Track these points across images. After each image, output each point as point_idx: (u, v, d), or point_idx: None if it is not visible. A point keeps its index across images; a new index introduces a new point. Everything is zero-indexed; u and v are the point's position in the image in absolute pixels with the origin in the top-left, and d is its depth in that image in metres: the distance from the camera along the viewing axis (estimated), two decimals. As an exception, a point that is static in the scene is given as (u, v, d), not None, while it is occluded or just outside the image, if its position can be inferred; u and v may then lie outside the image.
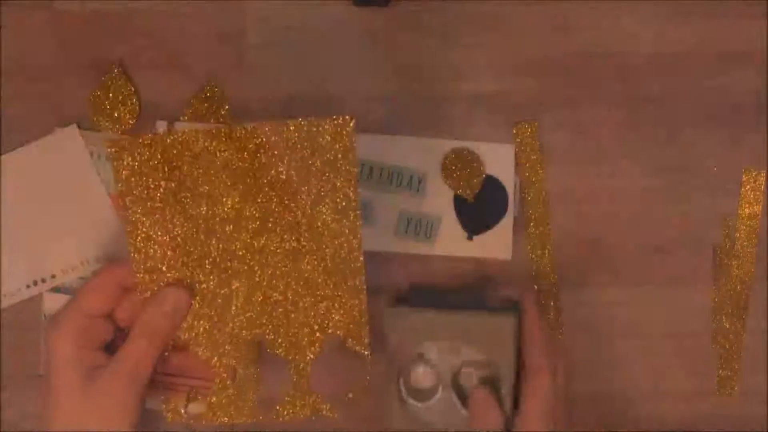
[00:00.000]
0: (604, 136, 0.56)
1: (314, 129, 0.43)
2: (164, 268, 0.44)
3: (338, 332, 0.46)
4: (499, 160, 0.56)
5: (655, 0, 0.56)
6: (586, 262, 0.56)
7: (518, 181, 0.56)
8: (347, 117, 0.43)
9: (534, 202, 0.56)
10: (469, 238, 0.56)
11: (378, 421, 0.55)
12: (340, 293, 0.45)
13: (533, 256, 0.56)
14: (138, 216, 0.44)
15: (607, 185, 0.56)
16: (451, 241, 0.55)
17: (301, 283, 0.45)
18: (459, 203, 0.56)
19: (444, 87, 0.56)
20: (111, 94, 0.55)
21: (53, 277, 0.55)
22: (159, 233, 0.44)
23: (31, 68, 0.56)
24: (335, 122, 0.43)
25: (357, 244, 0.45)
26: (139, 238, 0.44)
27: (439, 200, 0.56)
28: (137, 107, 0.55)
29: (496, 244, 0.55)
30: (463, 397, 0.54)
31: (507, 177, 0.56)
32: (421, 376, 0.54)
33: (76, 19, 0.55)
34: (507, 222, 0.55)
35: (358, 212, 0.44)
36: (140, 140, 0.43)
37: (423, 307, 0.53)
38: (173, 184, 0.44)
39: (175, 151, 0.43)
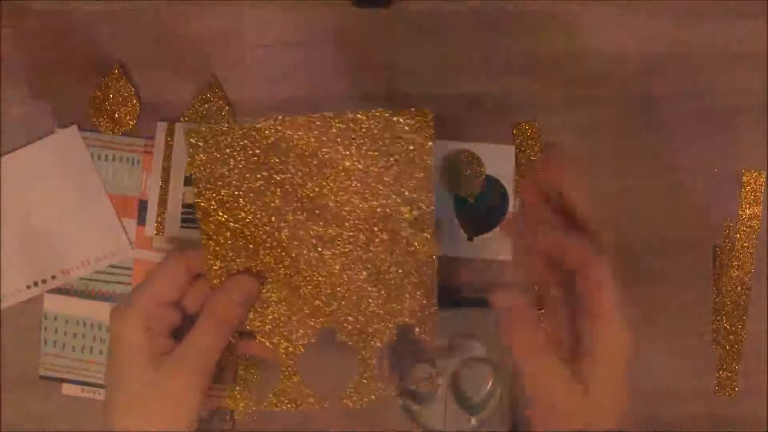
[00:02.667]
0: (603, 136, 0.56)
1: (393, 120, 0.43)
2: (235, 256, 0.44)
3: (407, 320, 0.46)
4: (499, 160, 0.56)
5: (655, 1, 0.56)
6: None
7: (518, 181, 0.56)
8: (427, 110, 0.43)
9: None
10: (470, 238, 0.56)
11: (378, 421, 0.55)
12: (409, 283, 0.45)
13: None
14: (210, 204, 0.44)
15: (607, 185, 0.56)
16: (451, 242, 0.55)
17: (373, 271, 0.45)
18: (459, 203, 0.56)
19: (444, 87, 0.56)
20: (111, 94, 0.55)
21: (53, 277, 0.55)
22: (231, 221, 0.44)
23: (31, 68, 0.56)
24: (414, 114, 0.43)
25: (430, 235, 0.45)
26: (212, 225, 0.44)
27: (439, 201, 0.55)
28: (137, 107, 0.55)
29: (496, 244, 0.55)
30: (463, 398, 0.54)
31: (507, 177, 0.56)
32: (421, 376, 0.54)
33: (76, 19, 0.55)
34: (507, 222, 0.56)
35: (433, 205, 0.44)
36: (218, 128, 0.43)
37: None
38: (247, 173, 0.44)
39: (250, 140, 0.43)
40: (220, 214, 0.44)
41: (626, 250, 0.56)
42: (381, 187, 0.44)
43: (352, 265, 0.45)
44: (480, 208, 0.55)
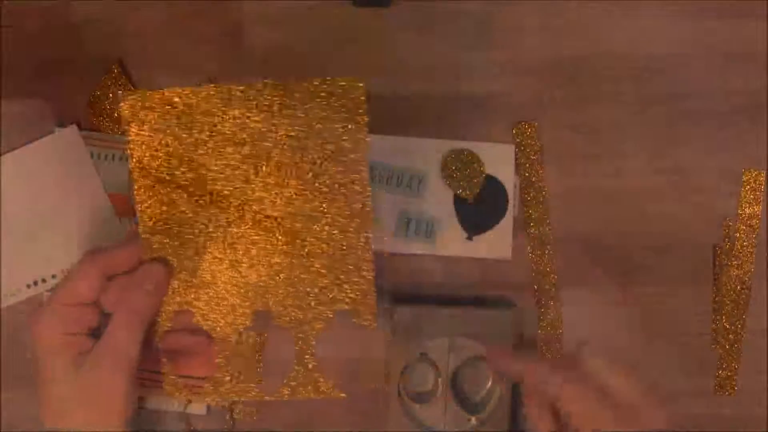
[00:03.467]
0: (603, 136, 0.56)
1: (325, 87, 0.43)
2: (169, 232, 0.44)
3: (345, 306, 0.45)
4: (499, 160, 0.56)
5: (655, 1, 0.56)
6: (586, 262, 0.56)
7: (518, 181, 0.56)
8: (356, 77, 0.43)
9: (534, 202, 0.56)
10: (469, 238, 0.56)
11: (377, 421, 0.55)
12: (347, 264, 0.45)
13: (533, 256, 0.56)
14: (146, 178, 0.44)
15: (607, 185, 0.56)
16: (451, 241, 0.55)
17: (308, 250, 0.45)
18: (459, 203, 0.56)
19: (444, 87, 0.56)
20: (111, 94, 0.55)
21: (53, 277, 0.55)
22: (166, 194, 0.44)
23: (31, 68, 0.56)
24: (346, 82, 0.43)
25: (365, 210, 0.44)
26: (147, 202, 0.44)
27: (439, 200, 0.56)
28: (137, 107, 0.55)
29: (496, 244, 0.55)
30: (463, 398, 0.54)
31: (507, 177, 0.56)
32: (421, 376, 0.54)
33: (76, 20, 0.55)
34: (507, 222, 0.55)
35: (366, 176, 0.44)
36: (152, 94, 0.43)
37: (424, 305, 0.54)
38: (183, 143, 0.44)
39: (185, 108, 0.43)
40: (156, 186, 0.44)
41: (626, 250, 0.56)
42: (316, 164, 0.44)
43: (289, 244, 0.44)
44: (480, 208, 0.55)
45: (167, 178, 0.44)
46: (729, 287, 0.56)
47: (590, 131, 0.56)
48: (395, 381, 0.53)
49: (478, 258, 0.56)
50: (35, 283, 0.55)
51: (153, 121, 0.43)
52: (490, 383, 0.54)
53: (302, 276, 0.45)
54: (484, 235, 0.56)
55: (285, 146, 0.44)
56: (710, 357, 0.57)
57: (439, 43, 0.56)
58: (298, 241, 0.45)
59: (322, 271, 0.45)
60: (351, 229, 0.44)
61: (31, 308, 0.42)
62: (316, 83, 0.43)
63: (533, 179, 0.56)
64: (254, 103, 0.43)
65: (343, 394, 0.45)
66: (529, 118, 0.56)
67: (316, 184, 0.44)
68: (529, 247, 0.56)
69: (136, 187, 0.44)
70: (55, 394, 0.41)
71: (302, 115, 0.43)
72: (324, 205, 0.44)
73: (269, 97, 0.43)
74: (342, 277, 0.45)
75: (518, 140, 0.56)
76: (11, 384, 0.55)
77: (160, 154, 0.44)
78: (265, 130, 0.44)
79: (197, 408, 0.56)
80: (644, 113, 0.56)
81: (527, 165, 0.56)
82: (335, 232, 0.44)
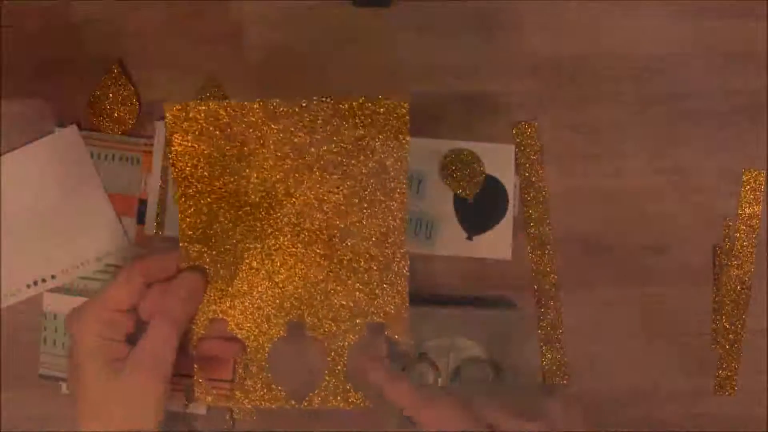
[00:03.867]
0: (603, 136, 0.56)
1: (370, 106, 0.43)
2: (208, 242, 0.45)
3: (378, 319, 0.46)
4: (499, 160, 0.56)
5: (655, 1, 0.56)
6: (586, 262, 0.56)
7: (518, 181, 0.56)
8: (401, 97, 0.43)
9: (534, 202, 0.56)
10: (469, 238, 0.56)
11: (377, 421, 0.55)
12: (383, 279, 0.45)
13: (533, 256, 0.56)
14: (187, 187, 0.44)
15: (607, 185, 0.56)
16: (451, 241, 0.55)
17: (345, 264, 0.45)
18: (459, 203, 0.56)
19: (444, 87, 0.56)
20: (111, 94, 0.55)
21: (53, 277, 0.55)
22: (206, 205, 0.44)
23: (31, 68, 0.56)
24: (391, 101, 0.43)
25: (402, 225, 0.45)
26: (187, 211, 0.44)
27: (439, 200, 0.56)
28: (137, 107, 0.55)
29: (496, 244, 0.55)
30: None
31: (507, 177, 0.56)
32: (421, 376, 0.54)
33: (76, 20, 0.55)
34: (507, 222, 0.55)
35: (405, 193, 0.44)
36: (197, 105, 0.43)
37: (423, 305, 0.54)
38: (225, 155, 0.44)
39: (228, 120, 0.44)
40: (197, 197, 0.44)
41: (626, 250, 0.56)
42: (356, 174, 0.44)
43: (324, 257, 0.45)
44: (480, 208, 0.55)
45: (208, 188, 0.44)
46: (729, 287, 0.56)
47: (590, 131, 0.56)
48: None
49: (478, 258, 0.56)
50: (35, 283, 0.55)
51: (197, 132, 0.44)
52: (490, 383, 0.54)
53: (338, 288, 0.45)
54: (484, 235, 0.56)
55: (327, 161, 0.44)
56: (710, 357, 0.57)
57: (439, 43, 0.56)
58: (335, 254, 0.45)
59: (358, 285, 0.45)
60: (387, 244, 0.45)
61: (71, 311, 0.43)
62: (362, 101, 0.43)
63: (533, 179, 0.56)
64: (298, 118, 0.44)
65: (370, 405, 0.46)
66: (529, 118, 0.56)
67: (356, 200, 0.44)
68: (529, 247, 0.56)
69: (177, 196, 0.44)
70: (91, 397, 0.42)
71: (345, 132, 0.44)
72: (363, 221, 0.45)
73: (313, 113, 0.43)
74: (377, 291, 0.45)
75: (518, 140, 0.56)
76: (11, 384, 0.55)
77: (202, 165, 0.44)
78: (307, 145, 0.44)
79: (197, 408, 0.56)
80: (644, 113, 0.56)
81: (527, 165, 0.56)
82: (372, 246, 0.45)
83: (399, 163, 0.44)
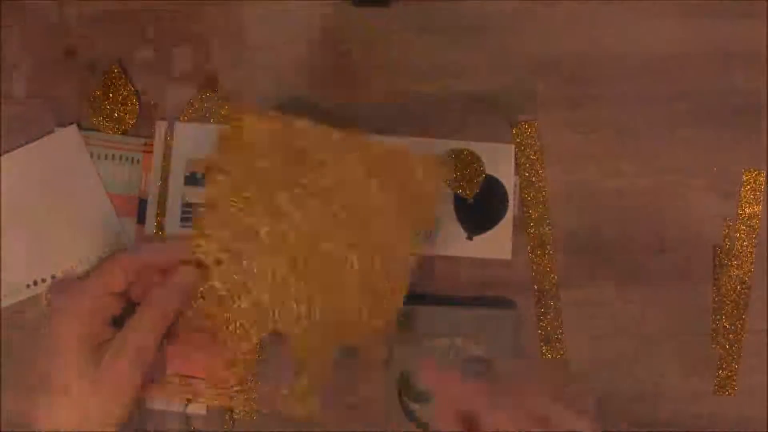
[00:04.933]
0: (603, 136, 0.56)
1: (417, 161, 0.46)
2: (220, 248, 0.45)
3: (354, 345, 0.46)
4: (499, 160, 0.56)
5: (655, 0, 0.56)
6: (586, 262, 0.56)
7: (518, 181, 0.56)
8: (439, 157, 0.44)
9: (534, 202, 0.56)
10: (469, 238, 0.56)
11: (377, 421, 0.55)
12: (369, 306, 0.46)
13: (533, 256, 0.56)
14: (219, 190, 0.44)
15: (607, 185, 0.56)
16: (451, 241, 0.55)
17: (339, 297, 0.46)
18: (459, 203, 0.56)
19: (444, 87, 0.56)
20: (111, 94, 0.55)
21: (53, 277, 0.55)
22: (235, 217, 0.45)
23: (31, 68, 0.56)
24: (427, 159, 0.45)
25: (406, 265, 0.46)
26: (214, 217, 0.45)
27: (439, 200, 0.55)
28: (137, 107, 0.55)
29: (496, 244, 0.55)
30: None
31: (507, 177, 0.56)
32: (421, 376, 0.54)
33: (77, 20, 0.55)
34: (507, 222, 0.56)
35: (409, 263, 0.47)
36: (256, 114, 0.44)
37: (424, 305, 0.54)
38: (276, 171, 0.44)
39: (286, 138, 0.44)
40: (227, 206, 0.44)
41: (626, 250, 0.56)
42: (385, 216, 0.45)
43: (320, 283, 0.45)
44: (480, 208, 0.55)
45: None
46: (729, 287, 0.56)
47: (590, 131, 0.56)
48: (395, 381, 0.53)
49: (478, 258, 0.56)
50: (35, 283, 0.55)
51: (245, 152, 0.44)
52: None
53: (328, 301, 0.46)
54: (484, 235, 0.56)
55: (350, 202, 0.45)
56: (710, 357, 0.57)
57: (439, 43, 0.56)
58: (330, 268, 0.45)
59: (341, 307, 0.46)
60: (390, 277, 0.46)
61: (55, 283, 0.42)
62: (404, 153, 0.45)
63: (533, 179, 0.56)
64: (337, 154, 0.44)
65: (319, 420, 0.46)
66: (529, 118, 0.56)
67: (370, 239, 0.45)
68: (529, 247, 0.56)
69: (206, 214, 0.44)
70: (65, 380, 0.40)
71: (385, 178, 0.45)
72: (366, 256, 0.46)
73: (363, 155, 0.45)
74: (361, 326, 0.46)
75: (518, 140, 0.56)
76: (11, 384, 0.55)
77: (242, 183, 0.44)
78: (337, 182, 0.45)
79: (197, 408, 0.56)
80: (644, 113, 0.56)
81: (527, 165, 0.56)
82: (367, 280, 0.46)
83: (428, 221, 0.46)
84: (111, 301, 0.42)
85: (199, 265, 0.44)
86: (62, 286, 0.42)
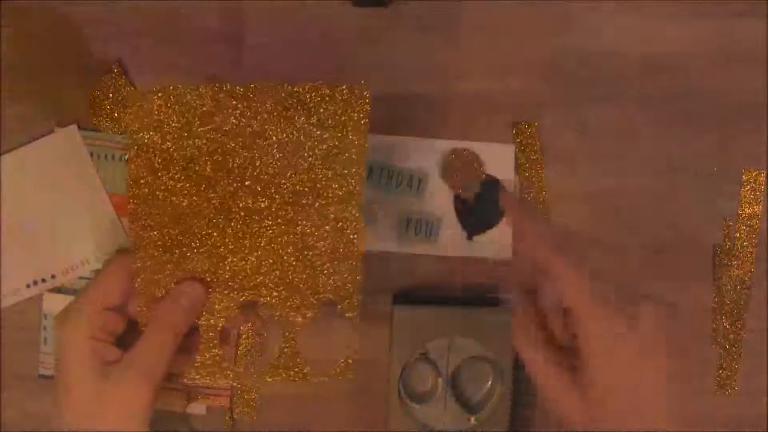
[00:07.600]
0: (603, 136, 0.56)
1: (329, 94, 0.43)
2: (162, 225, 0.44)
3: (330, 296, 0.45)
4: (499, 160, 0.56)
5: (655, 1, 0.56)
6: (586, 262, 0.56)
7: (518, 181, 0.56)
8: (362, 84, 0.43)
9: (534, 202, 0.56)
10: (469, 238, 0.56)
11: (377, 421, 0.55)
12: (335, 257, 0.45)
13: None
14: (141, 171, 0.44)
15: (607, 185, 0.56)
16: (451, 241, 0.55)
17: (299, 246, 0.45)
18: (459, 203, 0.56)
19: (444, 87, 0.56)
20: (111, 94, 0.55)
21: (53, 277, 0.55)
22: (160, 189, 0.44)
23: (31, 68, 0.56)
24: (350, 89, 0.43)
25: (358, 209, 0.45)
26: (141, 192, 0.44)
27: (439, 200, 0.56)
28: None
29: (495, 244, 0.55)
30: (463, 398, 0.54)
31: (507, 177, 0.56)
32: (421, 376, 0.54)
33: (76, 20, 0.55)
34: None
35: (362, 182, 0.44)
36: (152, 91, 0.43)
37: (424, 305, 0.54)
38: (180, 140, 0.43)
39: (185, 106, 0.43)
40: (150, 180, 0.44)
41: (626, 250, 0.56)
42: (312, 161, 0.44)
43: (279, 239, 0.45)
44: (480, 208, 0.55)
45: (163, 176, 0.44)
46: (729, 287, 0.56)
47: (590, 131, 0.56)
48: (395, 381, 0.53)
49: (478, 258, 0.56)
50: (35, 283, 0.55)
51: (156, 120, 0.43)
52: (490, 383, 0.54)
53: (290, 264, 0.45)
54: (484, 235, 0.56)
55: (283, 146, 0.44)
56: (710, 357, 0.57)
57: (439, 43, 0.56)
58: (290, 232, 0.45)
59: (315, 261, 0.45)
60: (347, 230, 0.45)
61: (60, 313, 0.42)
62: (319, 88, 0.43)
63: (533, 179, 0.56)
64: (252, 104, 0.43)
65: (325, 378, 0.45)
66: (529, 118, 0.56)
67: (308, 186, 0.44)
68: (529, 247, 0.56)
69: (131, 184, 0.44)
70: (79, 402, 0.40)
71: (303, 119, 0.44)
72: (318, 202, 0.44)
73: (270, 100, 0.43)
74: (330, 267, 0.45)
75: (518, 140, 0.56)
76: (11, 384, 0.55)
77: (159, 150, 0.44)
78: (262, 131, 0.44)
79: (197, 408, 0.56)
80: (644, 113, 0.56)
81: (527, 165, 0.56)
82: (328, 228, 0.45)
83: (358, 149, 0.44)
84: (111, 319, 0.42)
85: (203, 280, 0.44)
86: (64, 312, 0.42)
